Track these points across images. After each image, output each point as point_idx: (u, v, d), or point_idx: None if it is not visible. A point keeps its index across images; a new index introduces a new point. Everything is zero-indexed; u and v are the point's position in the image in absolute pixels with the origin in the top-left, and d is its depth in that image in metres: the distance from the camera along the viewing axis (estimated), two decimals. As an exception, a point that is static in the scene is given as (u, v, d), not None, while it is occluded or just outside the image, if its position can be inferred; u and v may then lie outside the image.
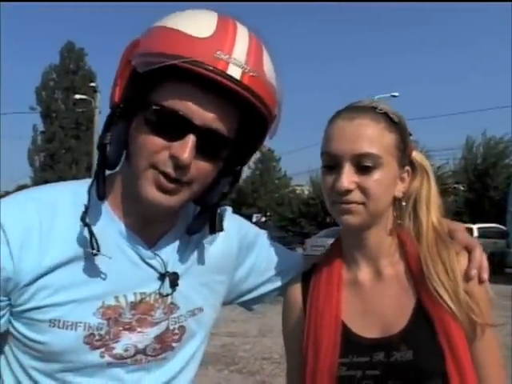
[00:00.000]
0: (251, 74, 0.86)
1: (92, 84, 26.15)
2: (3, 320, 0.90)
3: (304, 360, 1.08)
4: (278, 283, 1.20)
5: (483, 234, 15.44)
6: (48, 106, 45.11)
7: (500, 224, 15.11)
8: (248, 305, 1.24)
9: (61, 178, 44.98)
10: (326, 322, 1.06)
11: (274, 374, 5.31)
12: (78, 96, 30.70)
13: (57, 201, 0.92)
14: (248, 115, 0.92)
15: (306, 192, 37.80)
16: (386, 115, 1.05)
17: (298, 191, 41.92)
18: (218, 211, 1.03)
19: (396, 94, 32.83)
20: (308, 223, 28.27)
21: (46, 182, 29.25)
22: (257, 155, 51.89)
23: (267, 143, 1.01)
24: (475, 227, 15.58)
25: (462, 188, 24.11)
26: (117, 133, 0.89)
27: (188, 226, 1.00)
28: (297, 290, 1.15)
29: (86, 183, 0.93)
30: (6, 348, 0.94)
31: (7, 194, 1.07)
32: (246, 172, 51.99)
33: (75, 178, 46.21)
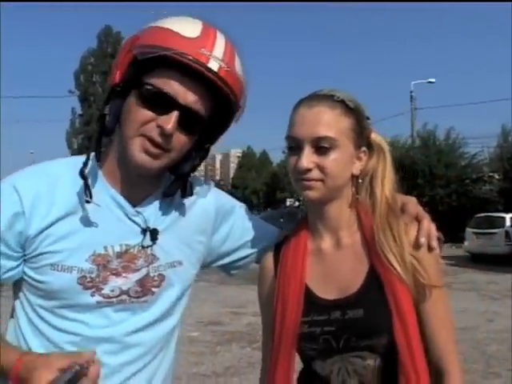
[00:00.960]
0: (226, 68, 1.09)
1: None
2: (20, 268, 1.13)
3: (273, 320, 1.21)
4: (252, 250, 1.36)
5: (517, 224, 15.23)
6: (86, 89, 45.79)
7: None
8: (227, 269, 1.43)
9: (98, 160, 46.09)
10: (292, 286, 1.19)
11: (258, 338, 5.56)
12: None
13: (61, 171, 1.16)
14: (220, 103, 1.14)
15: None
16: (342, 102, 1.17)
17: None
18: (190, 180, 1.22)
19: (433, 80, 32.35)
20: None
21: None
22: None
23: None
24: (508, 216, 15.30)
25: (496, 177, 23.59)
26: (114, 106, 1.11)
27: (164, 190, 1.20)
28: (269, 259, 1.29)
29: (84, 156, 1.14)
30: (21, 293, 1.17)
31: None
32: (280, 156, 52.02)
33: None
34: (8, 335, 1.18)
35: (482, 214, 16.50)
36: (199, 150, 1.20)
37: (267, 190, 50.62)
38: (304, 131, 1.15)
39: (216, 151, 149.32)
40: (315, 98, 1.18)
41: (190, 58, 1.04)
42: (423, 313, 1.15)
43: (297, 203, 37.19)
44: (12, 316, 1.20)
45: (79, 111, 47.20)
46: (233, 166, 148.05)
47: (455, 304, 5.82)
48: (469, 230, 15.89)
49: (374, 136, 1.24)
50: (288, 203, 38.70)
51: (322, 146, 1.14)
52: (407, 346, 1.10)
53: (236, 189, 55.35)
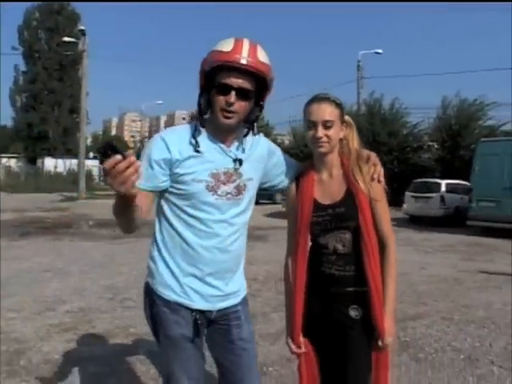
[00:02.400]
0: (251, 60, 1.82)
1: (81, 27, 26.02)
2: (168, 182, 1.90)
3: (295, 220, 2.08)
4: (285, 177, 2.18)
5: (450, 189, 16.43)
6: (30, 46, 43.89)
7: (466, 181, 16.10)
8: (272, 190, 2.28)
9: (43, 119, 44.73)
10: (306, 198, 2.05)
11: (260, 289, 6.40)
12: (66, 38, 30.22)
13: (185, 130, 1.96)
14: (257, 80, 1.87)
15: (287, 142, 38.48)
16: (334, 101, 2.02)
17: (279, 141, 42.64)
18: (253, 129, 2.00)
19: (380, 51, 33.46)
20: None
21: (29, 124, 29.09)
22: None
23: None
24: (443, 182, 16.55)
25: (435, 146, 25.17)
26: (205, 98, 1.90)
27: (243, 134, 1.99)
28: (293, 186, 2.14)
29: (195, 123, 1.95)
30: (166, 198, 1.95)
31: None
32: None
33: (58, 120, 45.39)
34: (156, 225, 2.00)
35: (420, 180, 17.59)
36: (254, 109, 1.95)
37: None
38: (318, 117, 1.99)
39: (161, 112, 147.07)
40: (320, 98, 2.04)
41: (230, 61, 1.81)
42: (374, 209, 2.02)
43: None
44: (158, 215, 2.00)
45: (23, 68, 45.47)
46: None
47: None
48: (408, 194, 16.98)
49: (346, 117, 2.09)
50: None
51: (327, 125, 1.99)
52: (365, 226, 1.98)
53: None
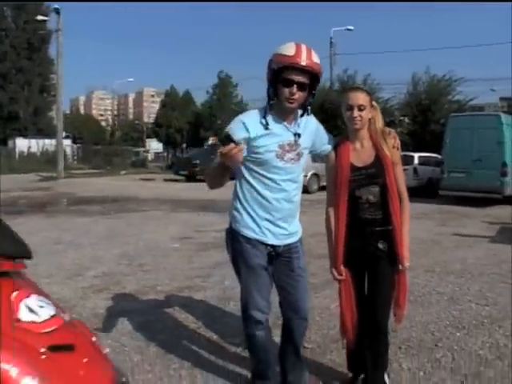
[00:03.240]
0: (308, 62, 2.46)
1: (56, 6, 25.79)
2: (246, 152, 2.53)
3: (335, 179, 2.76)
4: (328, 146, 2.86)
5: (423, 161, 17.37)
6: (-3, 24, 43.06)
7: (438, 154, 17.01)
8: (317, 155, 2.96)
9: (13, 99, 44.02)
10: (344, 162, 2.73)
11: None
12: (40, 17, 29.89)
13: (257, 113, 2.63)
14: (312, 76, 2.53)
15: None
16: (365, 91, 2.75)
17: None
18: (307, 111, 2.67)
19: (351, 27, 34.17)
20: None
21: None
22: (215, 81, 51.40)
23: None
24: (416, 155, 17.45)
25: (406, 121, 26.17)
26: (272, 89, 2.57)
27: (300, 114, 2.67)
28: (332, 153, 2.82)
29: (264, 108, 2.61)
30: (244, 164, 2.59)
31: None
32: (204, 97, 52.25)
33: (28, 99, 44.60)
34: (237, 185, 2.67)
35: (394, 153, 18.58)
36: (308, 98, 2.61)
37: (191, 129, 51.30)
38: (354, 102, 2.70)
39: (130, 90, 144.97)
40: (356, 88, 2.87)
41: (293, 63, 2.47)
42: (395, 172, 2.73)
43: (220, 142, 38.38)
44: (238, 177, 2.67)
45: (-10, 47, 44.34)
46: (146, 104, 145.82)
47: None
48: (383, 167, 17.95)
49: (373, 103, 2.80)
50: (210, 141, 39.78)
51: (360, 108, 2.68)
52: (390, 182, 2.69)
53: (160, 127, 55.20)
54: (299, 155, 2.69)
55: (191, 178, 21.59)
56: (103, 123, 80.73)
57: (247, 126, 2.55)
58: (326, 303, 4.63)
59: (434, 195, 15.19)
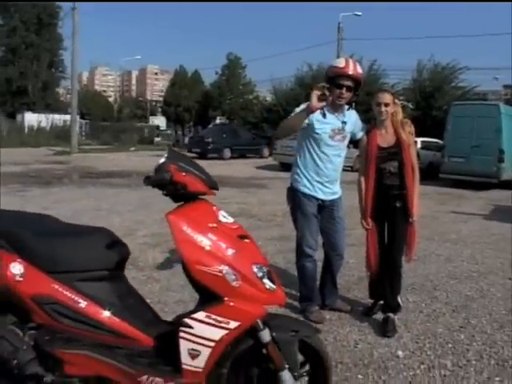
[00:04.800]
0: (354, 72, 3.63)
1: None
2: (307, 134, 3.68)
3: (366, 156, 3.82)
4: (361, 131, 3.96)
5: (425, 146, 18.15)
6: (6, -2, 43.42)
7: (439, 139, 17.93)
8: (353, 138, 3.97)
9: (22, 73, 44.65)
10: (373, 144, 3.80)
11: (282, 221, 8.17)
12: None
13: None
14: (356, 81, 3.66)
15: (268, 99, 39.66)
16: (390, 92, 3.88)
17: (261, 98, 43.86)
18: (352, 106, 3.79)
19: (359, 13, 34.80)
20: (270, 128, 29.88)
21: (7, 79, 29.19)
22: (224, 62, 52.01)
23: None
24: (419, 140, 18.25)
25: (410, 106, 27.05)
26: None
27: (347, 108, 3.78)
28: (365, 136, 3.90)
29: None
30: (304, 141, 3.81)
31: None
32: (213, 77, 52.96)
33: (36, 74, 45.15)
34: (297, 155, 3.75)
35: (397, 138, 19.49)
36: (353, 97, 3.67)
37: (199, 108, 52.10)
38: (381, 100, 3.75)
39: (132, 67, 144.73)
40: (384, 90, 3.90)
41: (344, 73, 3.53)
42: (410, 150, 3.75)
43: (227, 121, 39.43)
44: (298, 149, 3.74)
45: None
46: (149, 81, 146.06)
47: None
48: (386, 150, 18.91)
49: (396, 101, 3.78)
50: (218, 121, 40.56)
51: (386, 105, 3.69)
52: (406, 158, 3.75)
53: (168, 106, 55.98)
54: (344, 137, 3.77)
55: (203, 156, 22.55)
56: (111, 99, 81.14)
57: (311, 116, 3.57)
58: (346, 259, 5.67)
59: (435, 178, 16.14)
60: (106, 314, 2.45)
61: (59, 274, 2.47)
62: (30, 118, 40.61)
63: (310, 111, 3.42)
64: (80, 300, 2.44)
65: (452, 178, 15.68)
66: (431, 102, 24.79)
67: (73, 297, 2.44)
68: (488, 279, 5.19)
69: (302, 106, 3.56)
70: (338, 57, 32.77)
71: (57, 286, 2.45)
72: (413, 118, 25.39)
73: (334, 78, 3.58)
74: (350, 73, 3.55)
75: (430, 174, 16.72)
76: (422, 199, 12.34)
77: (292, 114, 3.70)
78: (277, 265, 5.25)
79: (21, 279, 2.44)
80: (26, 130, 38.43)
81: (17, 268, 2.46)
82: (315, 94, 3.29)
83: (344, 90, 3.59)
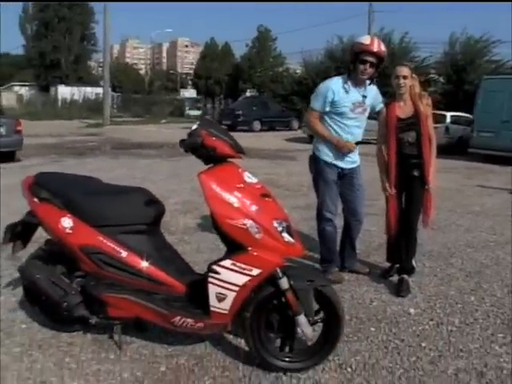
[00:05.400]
0: (379, 49, 3.86)
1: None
2: (327, 107, 3.95)
3: (386, 126, 4.02)
4: (381, 104, 4.19)
5: (454, 121, 18.08)
6: (38, -28, 43.86)
7: (471, 114, 17.76)
8: (373, 110, 4.20)
9: (55, 47, 45.35)
10: (393, 115, 3.98)
11: (308, 191, 8.42)
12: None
13: (340, 80, 4.02)
14: (379, 58, 3.89)
15: (298, 72, 39.39)
16: (408, 66, 4.01)
17: (291, 71, 43.59)
18: (373, 81, 4.04)
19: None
20: (300, 101, 29.86)
21: (41, 52, 29.94)
22: (254, 34, 51.86)
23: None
24: (448, 114, 18.13)
25: (441, 80, 26.62)
26: (352, 66, 3.96)
27: (369, 83, 4.01)
28: (384, 108, 4.11)
29: (344, 77, 3.92)
30: (327, 113, 4.01)
31: None
32: (243, 50, 52.91)
33: (69, 47, 45.77)
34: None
35: (428, 112, 19.36)
36: (375, 72, 3.89)
37: (229, 81, 52.31)
38: (400, 73, 3.93)
39: (163, 40, 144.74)
40: (402, 64, 4.05)
41: (369, 49, 3.75)
42: (427, 121, 3.94)
43: (257, 94, 39.46)
44: (323, 123, 3.96)
45: (33, -5, 45.37)
46: (180, 54, 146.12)
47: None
48: (415, 125, 18.80)
49: (413, 75, 3.96)
50: (248, 94, 40.66)
51: (404, 77, 3.89)
52: (423, 129, 3.95)
53: (199, 78, 56.28)
54: (364, 110, 4.01)
55: (233, 128, 22.82)
56: (143, 71, 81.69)
57: (334, 90, 3.88)
58: (367, 227, 5.92)
59: (464, 153, 16.07)
60: (145, 263, 2.79)
61: (103, 228, 2.81)
62: (63, 91, 41.41)
63: (335, 146, 3.95)
64: (122, 250, 2.78)
65: (481, 153, 15.56)
66: (463, 75, 24.33)
67: (116, 248, 2.78)
68: (505, 249, 5.36)
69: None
70: (369, 29, 32.80)
71: (102, 238, 2.79)
72: (444, 92, 25.40)
73: (358, 54, 3.81)
74: (375, 50, 3.78)
75: (460, 148, 16.66)
76: (450, 173, 12.68)
77: (319, 127, 4.03)
78: (301, 231, 5.52)
79: (70, 232, 2.79)
80: (60, 103, 39.27)
81: (67, 222, 2.81)
82: (347, 148, 3.93)
83: (367, 66, 3.83)
